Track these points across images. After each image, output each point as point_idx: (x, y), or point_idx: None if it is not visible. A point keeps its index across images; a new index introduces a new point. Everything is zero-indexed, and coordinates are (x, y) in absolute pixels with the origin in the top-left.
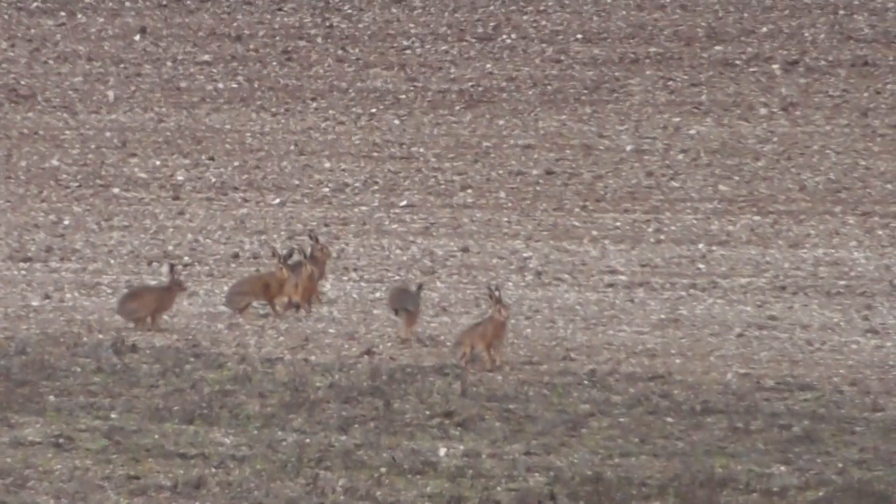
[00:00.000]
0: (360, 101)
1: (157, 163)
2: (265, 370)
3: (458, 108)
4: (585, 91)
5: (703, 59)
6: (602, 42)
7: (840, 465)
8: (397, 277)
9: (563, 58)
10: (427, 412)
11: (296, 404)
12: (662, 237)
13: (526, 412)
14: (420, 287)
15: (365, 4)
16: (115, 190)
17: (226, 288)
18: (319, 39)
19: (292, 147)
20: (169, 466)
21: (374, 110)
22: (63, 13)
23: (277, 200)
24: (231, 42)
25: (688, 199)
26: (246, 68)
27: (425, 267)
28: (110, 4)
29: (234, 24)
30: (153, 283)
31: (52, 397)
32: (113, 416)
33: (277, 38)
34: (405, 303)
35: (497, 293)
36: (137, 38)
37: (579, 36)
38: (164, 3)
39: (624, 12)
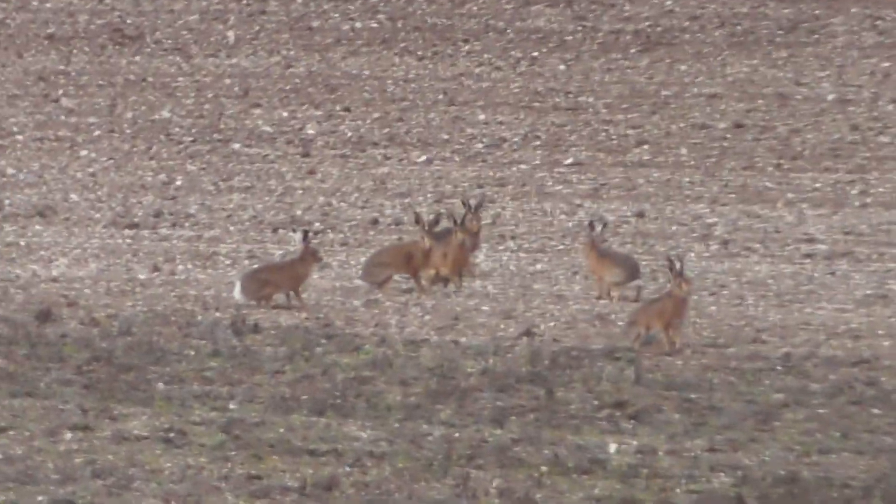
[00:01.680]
0: (520, 44)
1: (285, 114)
2: (408, 354)
3: (633, 51)
4: (780, 32)
5: None
6: None
7: None
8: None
9: None
10: (595, 402)
11: (443, 393)
12: (869, 200)
13: (710, 402)
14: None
15: None
16: (236, 145)
17: (363, 259)
18: None
19: (441, 96)
20: (296, 465)
21: (535, 54)
22: None
23: (423, 158)
24: None
25: None
26: (388, 4)
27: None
28: None
29: None
30: (279, 255)
31: (161, 385)
32: (232, 406)
33: None
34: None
35: (677, 265)
36: None
37: None
38: None
39: None
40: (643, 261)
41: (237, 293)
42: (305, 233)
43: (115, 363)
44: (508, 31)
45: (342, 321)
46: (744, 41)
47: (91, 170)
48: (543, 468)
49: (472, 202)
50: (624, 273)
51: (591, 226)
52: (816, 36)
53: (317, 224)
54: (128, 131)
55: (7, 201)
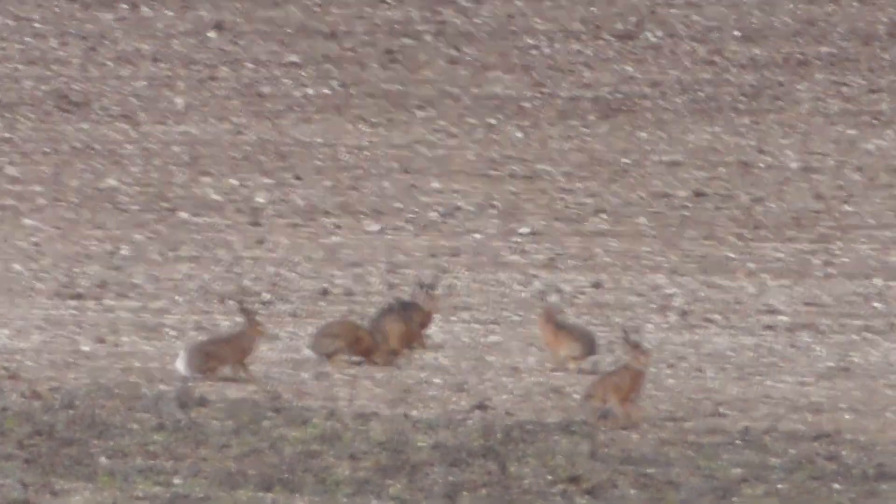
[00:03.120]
0: (476, 111)
1: (234, 182)
2: (358, 427)
3: (592, 118)
4: (743, 98)
5: (884, 61)
6: (764, 41)
7: None
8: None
9: (717, 59)
10: (549, 478)
11: (394, 468)
12: (832, 271)
13: (667, 477)
14: None
15: None
16: (184, 214)
17: (311, 330)
18: (428, 37)
19: (395, 164)
20: None
21: (492, 121)
22: (124, 5)
23: (376, 227)
24: (324, 40)
25: (863, 226)
26: (341, 71)
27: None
28: None
29: (328, 19)
30: (226, 326)
31: (104, 459)
32: (176, 481)
33: (379, 34)
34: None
35: (634, 337)
36: (212, 34)
37: (737, 33)
38: None
39: (791, 5)
40: (600, 332)
41: (181, 365)
42: (240, 304)
43: (57, 437)
44: (464, 97)
45: (291, 394)
46: (706, 108)
47: (35, 239)
48: None
49: (427, 281)
50: (581, 347)
51: (543, 297)
52: (780, 103)
53: (265, 294)
54: (73, 200)
55: None
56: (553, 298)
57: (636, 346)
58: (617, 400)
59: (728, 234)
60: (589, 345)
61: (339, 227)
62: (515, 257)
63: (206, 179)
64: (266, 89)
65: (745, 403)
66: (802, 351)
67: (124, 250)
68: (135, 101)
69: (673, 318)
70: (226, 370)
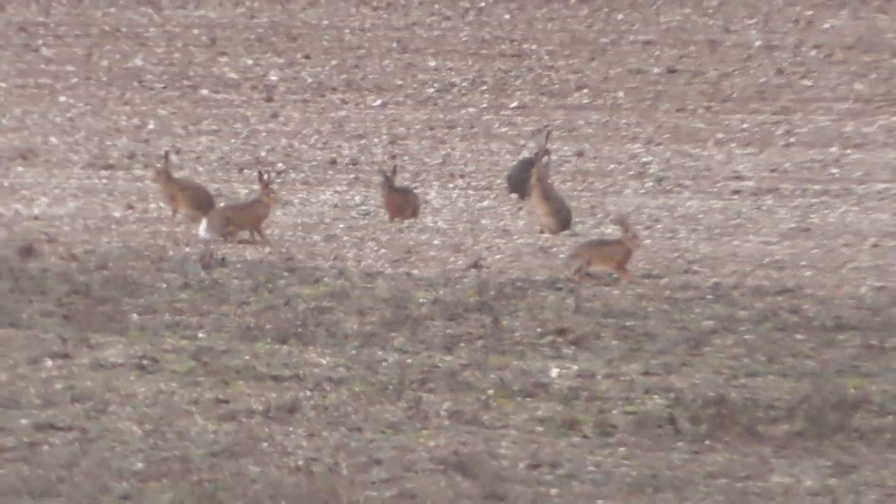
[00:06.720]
0: None
1: (249, 62)
2: (364, 285)
3: (573, 1)
4: None
5: None
6: None
7: None
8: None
9: None
10: (538, 330)
11: (397, 322)
12: (793, 140)
13: (645, 329)
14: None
15: None
16: (204, 91)
17: (322, 197)
18: None
19: (394, 44)
20: (260, 389)
21: (482, 4)
22: None
23: (378, 102)
24: None
25: (821, 99)
26: None
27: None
28: None
29: None
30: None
31: (135, 315)
32: (200, 335)
33: None
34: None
35: (629, 222)
36: None
37: None
38: None
39: None
40: (583, 196)
41: (203, 230)
42: (260, 174)
43: (93, 296)
44: None
45: (303, 255)
46: None
47: (69, 115)
48: (490, 391)
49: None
50: (555, 224)
51: (539, 155)
52: None
53: (279, 164)
54: (103, 79)
55: None
56: (543, 159)
57: (630, 230)
58: (610, 267)
59: (698, 107)
60: (563, 223)
61: (345, 102)
62: (505, 129)
63: (224, 59)
64: None
65: (715, 261)
66: (766, 213)
67: (151, 124)
68: None
69: (649, 183)
70: (244, 234)
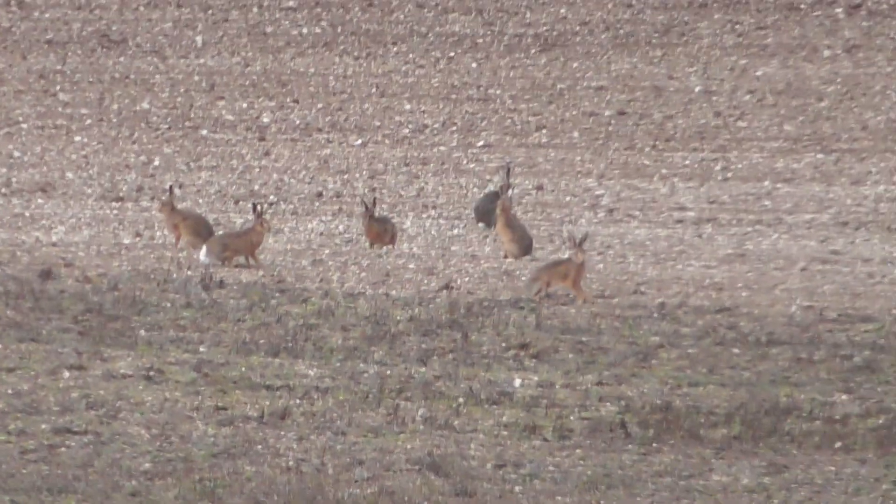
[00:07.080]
0: (439, 45)
1: (244, 105)
2: (347, 304)
3: (533, 51)
4: (656, 34)
5: (769, 3)
6: None
7: None
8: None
9: (634, 2)
10: (503, 344)
11: (377, 337)
12: (730, 175)
13: (598, 344)
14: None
15: None
16: (204, 132)
17: (309, 226)
18: None
19: (374, 90)
20: (255, 398)
21: (452, 54)
22: None
23: (359, 141)
24: None
25: (754, 138)
26: (329, 13)
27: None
28: None
29: None
30: (240, 222)
31: (143, 331)
32: (201, 349)
33: None
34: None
35: (578, 237)
36: None
37: None
38: None
39: None
40: (542, 225)
41: (203, 255)
42: (254, 206)
43: (105, 314)
44: (429, 35)
45: (293, 278)
46: (625, 42)
47: (84, 152)
48: (461, 399)
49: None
50: (518, 250)
51: (503, 188)
52: (686, 38)
53: (271, 197)
54: (114, 120)
55: (14, 179)
56: (508, 192)
57: (577, 245)
58: (566, 285)
59: (645, 146)
60: (525, 249)
61: (329, 141)
62: (473, 165)
63: (222, 103)
64: (269, 29)
65: (661, 283)
66: (706, 240)
67: (156, 161)
68: (163, 39)
69: (601, 214)
70: (240, 259)
